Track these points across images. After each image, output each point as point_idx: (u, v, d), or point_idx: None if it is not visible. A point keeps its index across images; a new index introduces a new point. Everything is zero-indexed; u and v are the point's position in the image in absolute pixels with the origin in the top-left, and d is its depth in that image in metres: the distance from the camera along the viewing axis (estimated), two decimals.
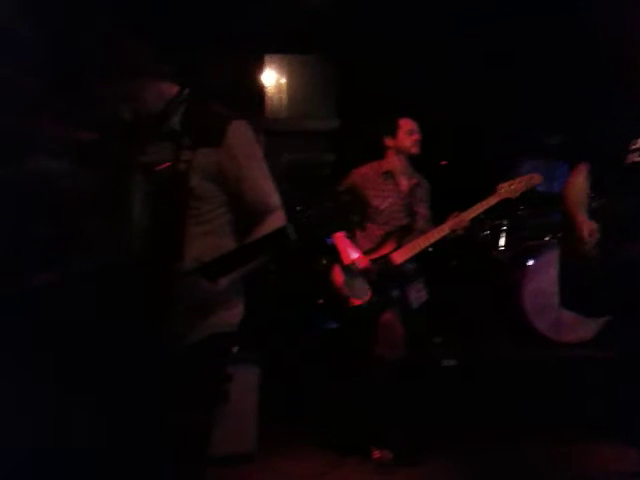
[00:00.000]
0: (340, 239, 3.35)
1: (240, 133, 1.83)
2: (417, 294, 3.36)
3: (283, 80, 5.69)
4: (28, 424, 1.74)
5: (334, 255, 3.38)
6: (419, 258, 3.37)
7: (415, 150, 3.40)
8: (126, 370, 1.74)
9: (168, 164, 1.76)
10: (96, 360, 1.76)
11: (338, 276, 3.35)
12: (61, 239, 1.89)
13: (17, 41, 2.10)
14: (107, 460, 1.74)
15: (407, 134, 3.39)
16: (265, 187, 1.89)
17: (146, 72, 1.81)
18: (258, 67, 5.20)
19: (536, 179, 3.33)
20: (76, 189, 1.83)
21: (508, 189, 3.29)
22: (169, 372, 1.76)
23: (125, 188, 1.79)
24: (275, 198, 1.90)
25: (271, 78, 5.62)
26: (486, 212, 3.38)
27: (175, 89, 1.87)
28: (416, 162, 3.48)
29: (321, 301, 3.58)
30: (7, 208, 1.85)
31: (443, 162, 3.71)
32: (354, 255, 3.30)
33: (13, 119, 1.87)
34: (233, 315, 1.88)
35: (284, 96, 5.69)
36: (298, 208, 1.70)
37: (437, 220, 3.36)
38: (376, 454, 3.24)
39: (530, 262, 4.56)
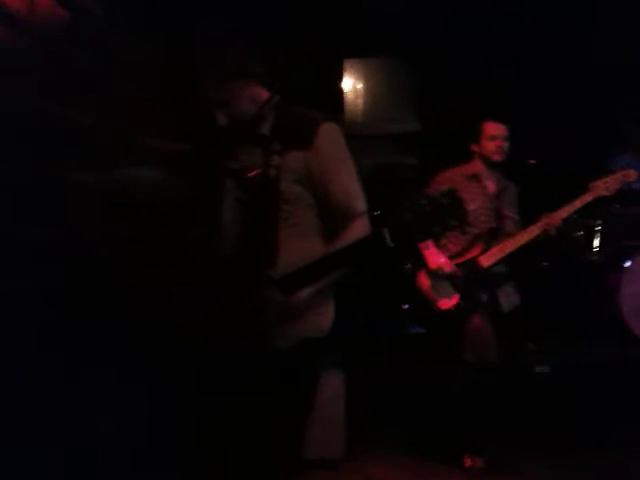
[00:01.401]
0: (428, 245, 3.29)
1: (329, 135, 1.82)
2: (508, 298, 3.25)
3: (361, 84, 5.68)
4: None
5: (419, 259, 3.32)
6: (509, 261, 3.27)
7: (497, 158, 3.29)
8: (220, 373, 1.77)
9: (258, 171, 1.78)
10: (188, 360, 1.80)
11: (424, 280, 3.29)
12: (155, 244, 1.94)
13: (123, 53, 2.18)
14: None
15: (489, 140, 3.29)
16: (352, 190, 1.87)
17: (243, 76, 1.83)
18: (338, 71, 5.22)
19: (631, 175, 3.19)
20: (170, 196, 1.88)
21: (602, 186, 3.16)
22: (260, 377, 1.77)
23: (217, 194, 1.83)
24: (361, 203, 1.88)
25: (350, 82, 5.63)
26: (579, 212, 3.24)
27: (266, 94, 1.89)
28: (504, 163, 3.37)
29: (406, 306, 3.53)
30: (102, 214, 1.92)
31: (531, 161, 3.60)
32: (440, 259, 3.24)
33: (114, 129, 1.94)
34: (324, 320, 1.88)
35: (363, 100, 5.68)
36: (375, 213, 1.67)
37: (527, 222, 3.25)
38: (467, 462, 3.15)
39: (627, 264, 4.33)
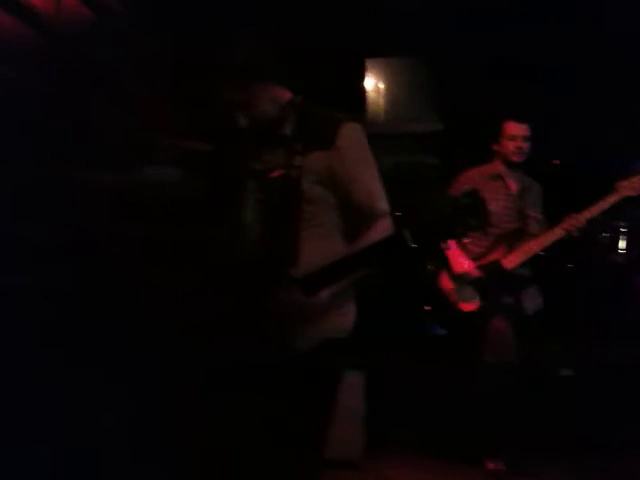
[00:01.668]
0: (449, 245, 3.26)
1: (352, 136, 1.81)
2: (532, 300, 3.21)
3: (383, 83, 5.67)
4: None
5: (441, 260, 3.29)
6: (533, 263, 3.22)
7: (516, 158, 3.24)
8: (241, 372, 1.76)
9: (280, 172, 1.77)
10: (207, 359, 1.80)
11: (447, 282, 3.26)
12: (176, 245, 1.95)
13: (141, 55, 2.20)
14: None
15: (509, 140, 3.24)
16: (374, 191, 1.85)
17: (263, 78, 1.82)
18: (360, 71, 5.20)
19: None
20: (191, 196, 1.88)
21: (628, 186, 3.10)
22: (281, 377, 1.76)
23: (239, 195, 1.82)
24: (383, 203, 1.86)
25: (371, 82, 5.62)
26: (605, 213, 3.19)
27: (287, 95, 1.88)
28: (527, 163, 3.33)
29: (428, 307, 3.52)
30: (124, 214, 1.93)
31: (556, 161, 3.55)
32: (464, 264, 3.20)
33: (134, 130, 1.95)
34: (345, 321, 1.86)
35: (385, 99, 5.67)
36: (397, 214, 1.66)
37: (552, 223, 3.20)
38: (490, 465, 3.12)
39: None
